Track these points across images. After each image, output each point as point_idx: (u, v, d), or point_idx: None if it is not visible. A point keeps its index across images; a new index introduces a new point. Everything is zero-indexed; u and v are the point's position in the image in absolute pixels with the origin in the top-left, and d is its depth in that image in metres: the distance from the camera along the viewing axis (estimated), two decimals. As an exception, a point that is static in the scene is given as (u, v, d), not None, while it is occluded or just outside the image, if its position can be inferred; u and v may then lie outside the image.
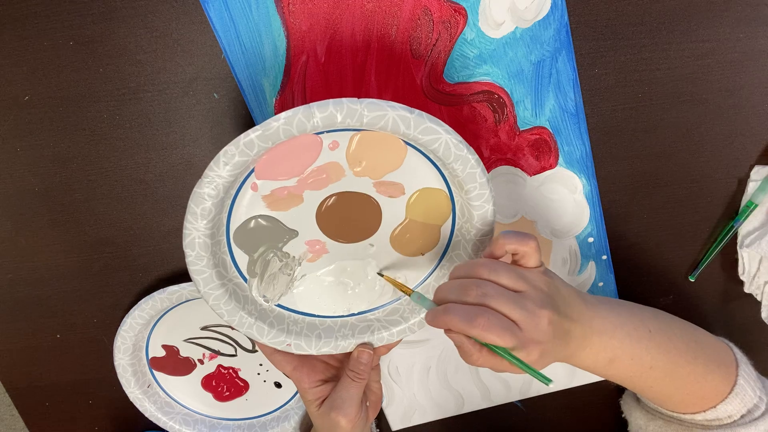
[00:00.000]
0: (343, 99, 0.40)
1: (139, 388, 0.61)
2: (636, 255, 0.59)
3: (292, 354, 0.51)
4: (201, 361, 0.62)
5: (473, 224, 0.46)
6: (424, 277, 0.51)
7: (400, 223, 0.49)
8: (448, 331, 0.41)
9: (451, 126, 0.52)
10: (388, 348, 0.52)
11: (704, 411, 0.49)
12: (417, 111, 0.41)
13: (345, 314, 0.52)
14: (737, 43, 0.52)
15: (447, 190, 0.47)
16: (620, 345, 0.45)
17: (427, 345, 0.61)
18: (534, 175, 0.54)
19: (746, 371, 0.50)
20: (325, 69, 0.51)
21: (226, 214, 0.46)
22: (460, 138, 0.42)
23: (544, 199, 0.55)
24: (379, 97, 0.51)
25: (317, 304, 0.51)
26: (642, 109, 0.53)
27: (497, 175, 0.54)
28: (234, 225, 0.47)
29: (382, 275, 0.50)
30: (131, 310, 0.56)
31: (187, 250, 0.44)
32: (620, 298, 0.60)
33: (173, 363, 0.62)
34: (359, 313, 0.52)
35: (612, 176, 0.55)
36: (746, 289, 0.58)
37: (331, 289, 0.51)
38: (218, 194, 0.42)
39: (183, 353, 0.61)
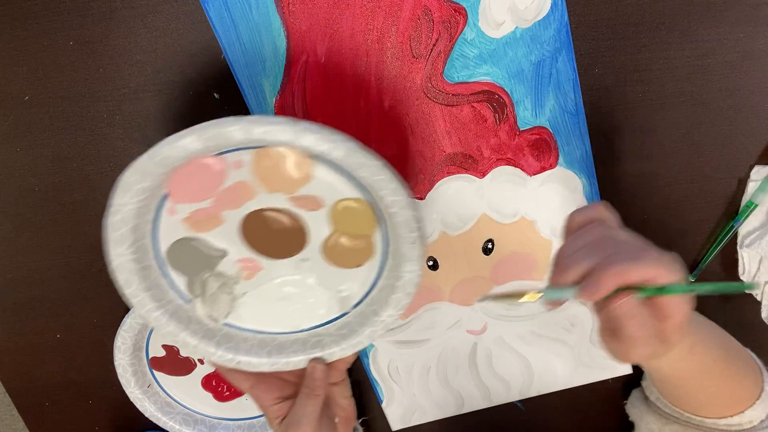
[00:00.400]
0: (226, 119, 0.39)
1: (139, 387, 0.61)
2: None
3: (249, 371, 0.50)
4: (201, 361, 0.62)
5: (399, 232, 0.44)
6: (367, 289, 0.50)
7: (329, 236, 0.48)
8: (599, 295, 0.35)
9: (450, 126, 0.52)
10: (346, 362, 0.51)
11: (731, 416, 0.48)
12: (304, 122, 0.40)
13: (295, 330, 0.51)
14: (737, 43, 0.52)
15: (369, 199, 0.46)
16: (697, 330, 0.42)
17: (427, 345, 0.61)
18: (534, 175, 0.54)
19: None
20: (325, 69, 0.51)
21: (150, 239, 0.46)
22: (359, 144, 0.41)
23: (544, 199, 0.55)
24: (379, 97, 0.51)
25: (265, 321, 0.51)
26: (642, 109, 0.53)
27: (497, 175, 0.54)
28: (163, 248, 0.47)
29: (488, 299, 0.41)
30: (131, 310, 0.56)
31: (115, 275, 0.45)
32: (620, 298, 0.59)
33: (173, 363, 0.62)
34: (310, 329, 0.51)
35: (612, 176, 0.55)
36: (746, 289, 0.58)
37: (276, 305, 0.50)
38: (129, 221, 0.43)
39: (183, 353, 0.61)
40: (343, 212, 0.46)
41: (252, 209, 0.46)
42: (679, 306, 0.36)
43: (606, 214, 0.40)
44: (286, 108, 0.51)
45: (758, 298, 0.59)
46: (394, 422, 0.65)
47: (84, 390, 0.64)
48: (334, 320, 0.51)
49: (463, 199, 0.55)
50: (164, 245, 0.47)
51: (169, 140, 0.40)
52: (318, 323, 0.51)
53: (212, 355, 0.49)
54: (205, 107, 0.52)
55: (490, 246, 0.57)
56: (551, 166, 0.54)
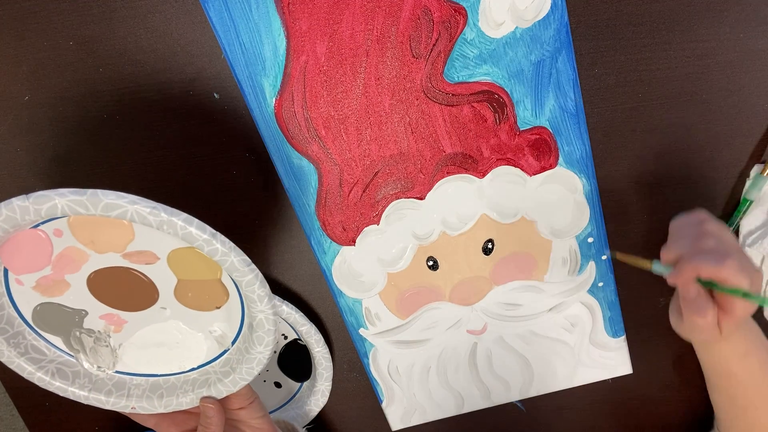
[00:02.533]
0: (13, 199, 0.39)
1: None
2: (636, 255, 0.59)
3: None
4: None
5: (234, 277, 0.42)
6: (238, 326, 0.49)
7: (176, 285, 0.46)
8: (682, 283, 0.43)
9: (450, 126, 0.52)
10: (241, 396, 0.51)
11: None
12: (91, 191, 0.38)
13: (184, 370, 0.51)
14: (737, 43, 0.52)
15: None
16: (754, 339, 0.49)
17: (427, 345, 0.61)
18: (534, 175, 0.54)
19: None
20: (325, 69, 0.51)
21: (12, 309, 0.47)
22: (152, 204, 0.39)
23: (544, 199, 0.55)
24: (379, 97, 0.51)
25: (153, 365, 0.51)
26: (642, 109, 0.53)
27: (497, 175, 0.54)
28: (27, 315, 0.48)
29: (614, 256, 0.52)
30: None
31: None
32: (620, 298, 0.60)
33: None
34: (198, 367, 0.51)
35: (612, 176, 0.55)
36: (746, 289, 0.58)
37: (157, 349, 0.50)
38: None
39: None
40: (180, 262, 0.45)
41: (91, 270, 0.45)
42: (740, 306, 0.42)
43: (721, 277, 0.43)
44: (286, 108, 0.52)
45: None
46: (394, 422, 0.65)
47: (84, 390, 0.64)
48: (218, 357, 0.50)
49: (463, 199, 0.55)
50: (27, 312, 0.47)
51: None
52: (203, 362, 0.51)
53: (105, 404, 0.49)
54: (205, 107, 0.52)
55: (490, 246, 0.57)
56: (551, 166, 0.54)
